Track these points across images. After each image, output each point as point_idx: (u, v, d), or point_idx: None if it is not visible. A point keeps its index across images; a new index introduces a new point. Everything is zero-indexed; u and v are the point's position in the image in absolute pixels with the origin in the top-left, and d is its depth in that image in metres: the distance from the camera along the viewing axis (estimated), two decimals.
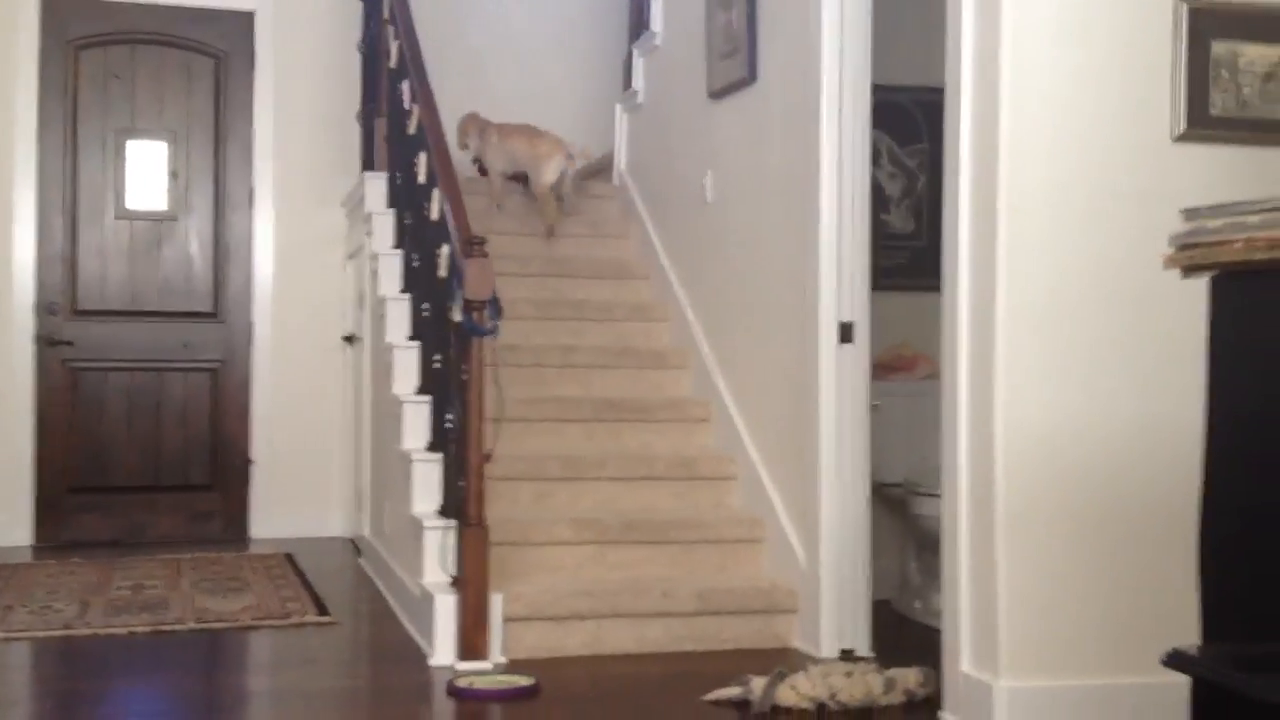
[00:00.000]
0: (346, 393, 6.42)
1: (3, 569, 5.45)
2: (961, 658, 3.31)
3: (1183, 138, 3.21)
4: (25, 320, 6.25)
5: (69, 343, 6.33)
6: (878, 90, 4.95)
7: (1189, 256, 2.14)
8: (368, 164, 6.08)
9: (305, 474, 6.53)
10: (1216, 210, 2.12)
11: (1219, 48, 3.18)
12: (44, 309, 6.30)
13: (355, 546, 6.04)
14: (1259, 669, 1.61)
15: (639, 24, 6.09)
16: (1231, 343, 2.04)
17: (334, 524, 6.49)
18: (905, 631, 4.45)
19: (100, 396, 6.37)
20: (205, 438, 6.49)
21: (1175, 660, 1.62)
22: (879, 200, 5.14)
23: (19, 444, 6.22)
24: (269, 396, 6.54)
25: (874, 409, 4.80)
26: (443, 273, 4.41)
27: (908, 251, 5.14)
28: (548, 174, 5.77)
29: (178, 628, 4.39)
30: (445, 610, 3.95)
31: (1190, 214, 2.18)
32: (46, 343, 6.29)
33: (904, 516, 4.79)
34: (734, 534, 4.51)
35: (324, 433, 6.53)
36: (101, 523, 6.33)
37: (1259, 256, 2.00)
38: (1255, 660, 1.66)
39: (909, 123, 5.14)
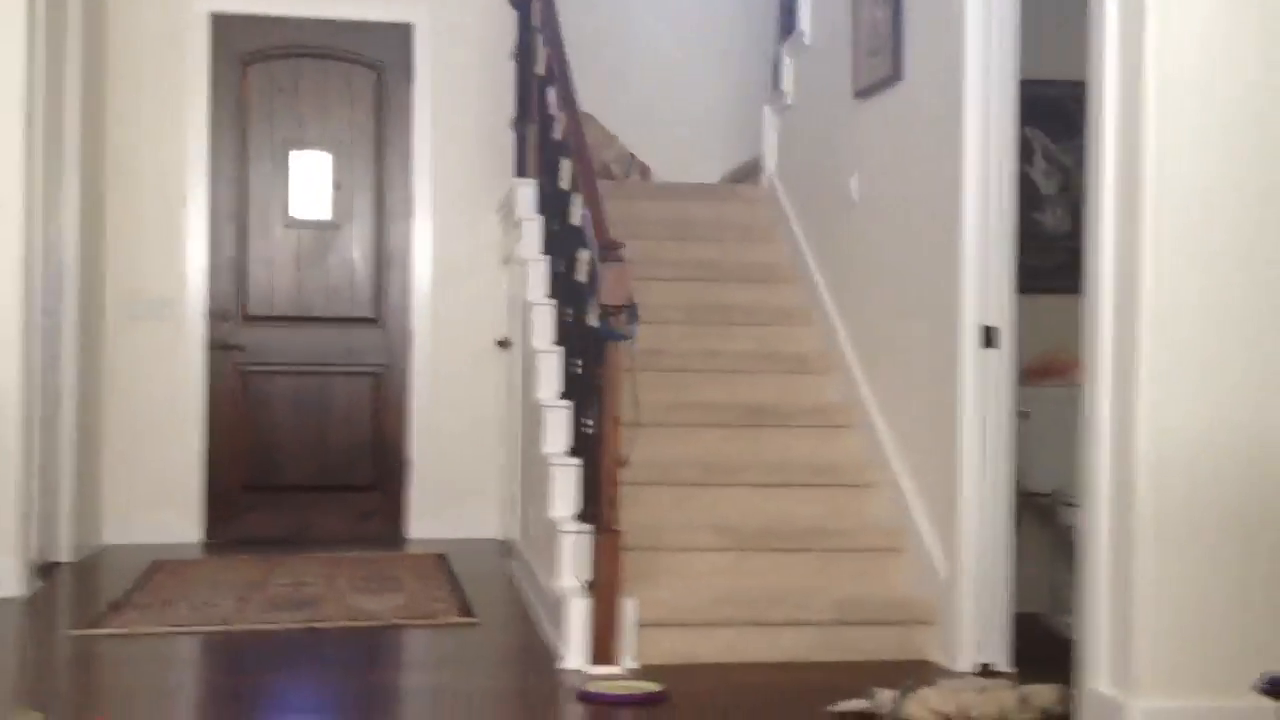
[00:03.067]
0: (500, 396, 6.52)
1: (171, 565, 5.70)
2: (1096, 675, 3.17)
3: None
4: (197, 326, 6.52)
5: (240, 347, 6.58)
6: (1032, 85, 4.79)
7: None
8: (520, 171, 6.16)
9: (461, 476, 6.65)
10: None
11: None
12: (216, 315, 6.56)
13: (507, 549, 6.12)
14: None
15: (788, 24, 6.03)
16: None
17: (489, 526, 6.60)
18: (1051, 647, 4.29)
19: (268, 399, 6.60)
20: (367, 440, 6.67)
21: (1270, 687, 1.52)
22: (1033, 199, 4.98)
23: (191, 444, 6.48)
24: (427, 400, 6.69)
25: (1024, 416, 4.66)
26: (582, 278, 4.43)
27: (1063, 252, 4.95)
28: None
29: (328, 625, 4.52)
30: (578, 614, 3.97)
31: None
32: (219, 347, 6.55)
33: (1053, 527, 4.62)
34: (873, 543, 4.43)
35: (479, 436, 6.64)
36: (269, 521, 6.56)
37: None
38: None
39: (1065, 118, 4.96)
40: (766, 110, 6.20)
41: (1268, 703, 1.67)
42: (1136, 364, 3.08)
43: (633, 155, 6.73)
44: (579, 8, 6.84)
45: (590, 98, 6.73)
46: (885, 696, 3.42)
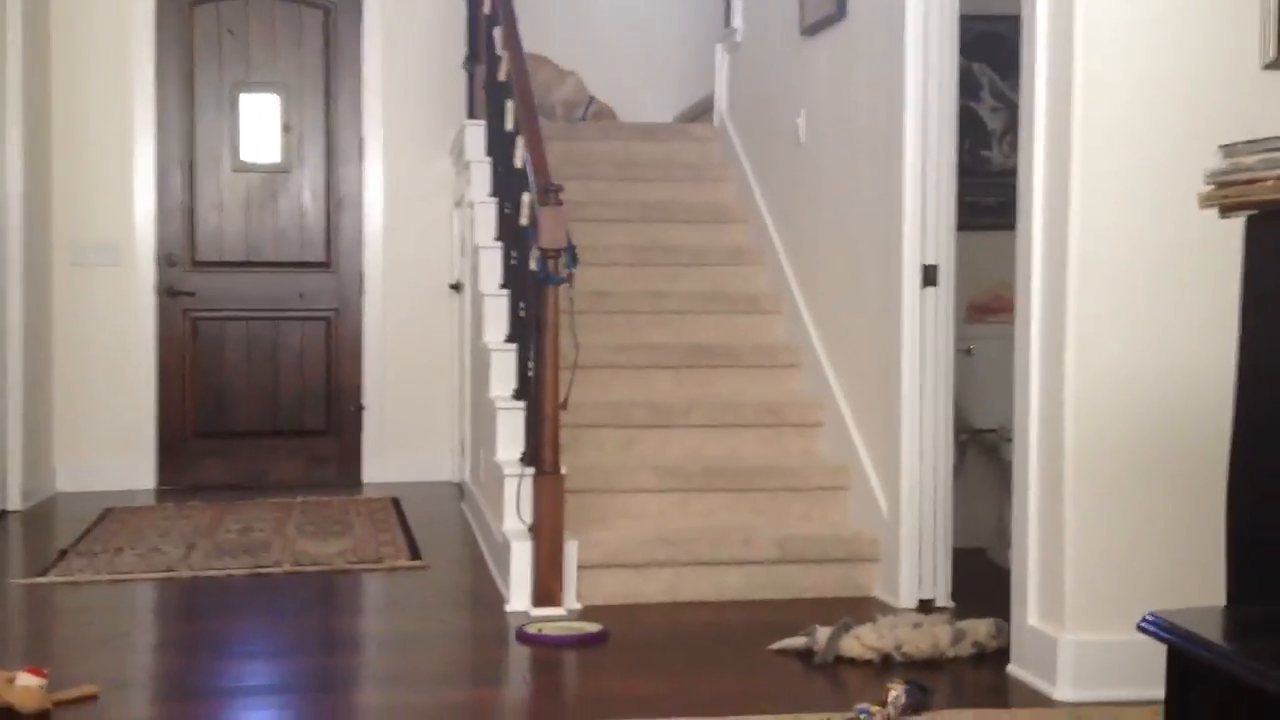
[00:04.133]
0: (453, 340, 6.49)
1: (123, 512, 5.67)
2: (1029, 610, 3.20)
3: (1272, 65, 3.00)
4: (147, 272, 6.46)
5: (190, 293, 6.52)
6: (979, 20, 4.77)
7: (1224, 195, 1.99)
8: (472, 112, 6.10)
9: (416, 420, 6.63)
10: (1254, 145, 1.97)
11: None
12: (164, 261, 6.49)
13: (461, 491, 6.12)
14: (1251, 634, 1.50)
15: None
16: (1266, 289, 1.90)
17: (444, 469, 6.59)
18: (995, 582, 4.31)
19: (220, 345, 6.55)
20: (321, 385, 6.64)
21: (1149, 627, 1.52)
22: (980, 136, 4.96)
23: (143, 391, 6.44)
24: (380, 344, 6.65)
25: (968, 353, 4.67)
26: (524, 221, 4.40)
27: (1010, 188, 4.92)
28: None
29: (274, 570, 4.51)
30: (521, 557, 3.97)
31: (1228, 150, 2.03)
32: (168, 293, 6.49)
33: (998, 463, 4.64)
34: (819, 481, 4.44)
35: (433, 379, 6.62)
36: (222, 467, 6.54)
37: None
38: (1249, 624, 1.55)
39: (1012, 53, 4.90)
40: (718, 48, 6.14)
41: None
42: (1064, 304, 3.07)
43: (592, 97, 6.66)
44: None
45: (547, 37, 6.67)
46: (822, 634, 3.44)
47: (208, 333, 6.55)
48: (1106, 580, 3.06)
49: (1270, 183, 1.87)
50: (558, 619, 3.84)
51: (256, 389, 6.57)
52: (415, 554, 4.76)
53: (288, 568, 4.55)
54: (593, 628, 3.69)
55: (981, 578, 4.24)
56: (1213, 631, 1.54)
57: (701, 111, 6.42)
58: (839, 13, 4.52)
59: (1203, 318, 3.01)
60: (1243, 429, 1.95)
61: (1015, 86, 4.90)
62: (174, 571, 4.48)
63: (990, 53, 4.81)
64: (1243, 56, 3.03)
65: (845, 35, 4.52)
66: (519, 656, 3.59)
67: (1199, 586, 2.96)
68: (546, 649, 3.61)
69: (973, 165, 4.84)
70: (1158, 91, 3.04)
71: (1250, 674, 1.36)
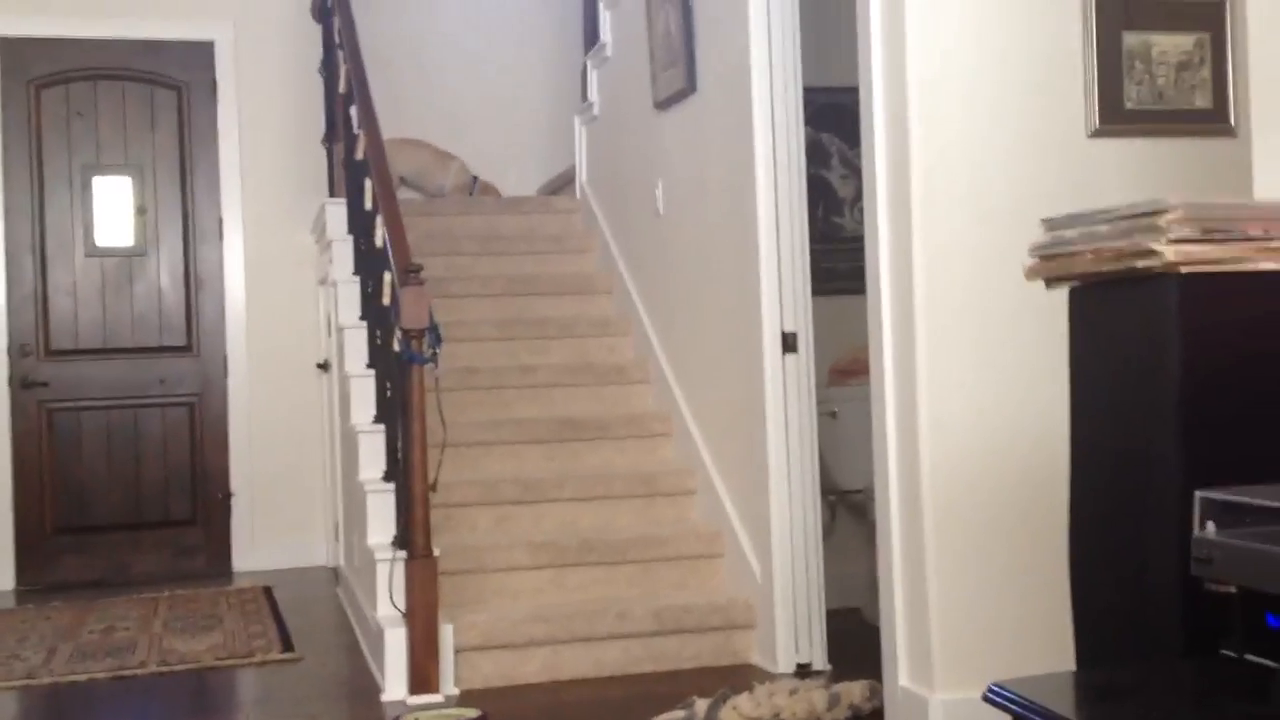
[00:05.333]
0: (323, 420, 6.40)
1: None
2: (900, 670, 3.25)
3: (1098, 133, 3.14)
4: None
5: (44, 383, 6.33)
6: (825, 92, 4.90)
7: (1050, 268, 2.07)
8: (332, 190, 6.07)
9: (287, 504, 6.51)
10: (1072, 220, 2.06)
11: (1131, 39, 3.11)
12: (17, 351, 6.30)
13: (336, 576, 6.02)
14: (1093, 702, 1.55)
15: (592, 36, 6.05)
16: (1091, 357, 1.98)
17: (318, 554, 6.47)
18: (870, 641, 4.37)
19: (77, 436, 6.37)
20: (185, 472, 6.49)
21: (994, 697, 1.57)
22: (832, 203, 5.08)
23: None
24: (247, 428, 6.53)
25: (832, 415, 4.75)
26: (386, 300, 4.37)
27: (863, 253, 5.06)
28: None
29: (139, 672, 4.37)
30: (395, 643, 3.91)
31: (1049, 224, 2.12)
32: (21, 385, 6.30)
33: (867, 523, 4.71)
34: (693, 550, 4.46)
35: (304, 462, 6.51)
36: (84, 563, 6.33)
37: (1107, 268, 1.94)
38: (1092, 691, 1.60)
39: (858, 123, 5.06)
40: (577, 121, 6.21)
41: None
42: (915, 367, 3.15)
43: (476, 177, 6.67)
44: (393, 18, 6.78)
45: (405, 114, 6.67)
46: (700, 706, 3.45)
47: (64, 424, 6.36)
48: (973, 638, 3.12)
49: (1089, 256, 1.96)
50: (435, 706, 3.78)
51: (118, 480, 6.39)
52: (288, 645, 4.66)
53: (154, 668, 4.41)
54: (471, 714, 3.65)
55: (857, 637, 4.29)
56: (1056, 700, 1.58)
57: (563, 184, 6.47)
58: (689, 87, 4.61)
59: (1047, 378, 3.11)
60: (1078, 489, 2.02)
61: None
62: (33, 679, 4.31)
63: (837, 123, 4.94)
64: (1071, 126, 3.16)
65: (696, 109, 4.61)
66: None
67: (1063, 642, 3.04)
68: None
69: (827, 232, 4.95)
70: (993, 160, 3.15)
71: None
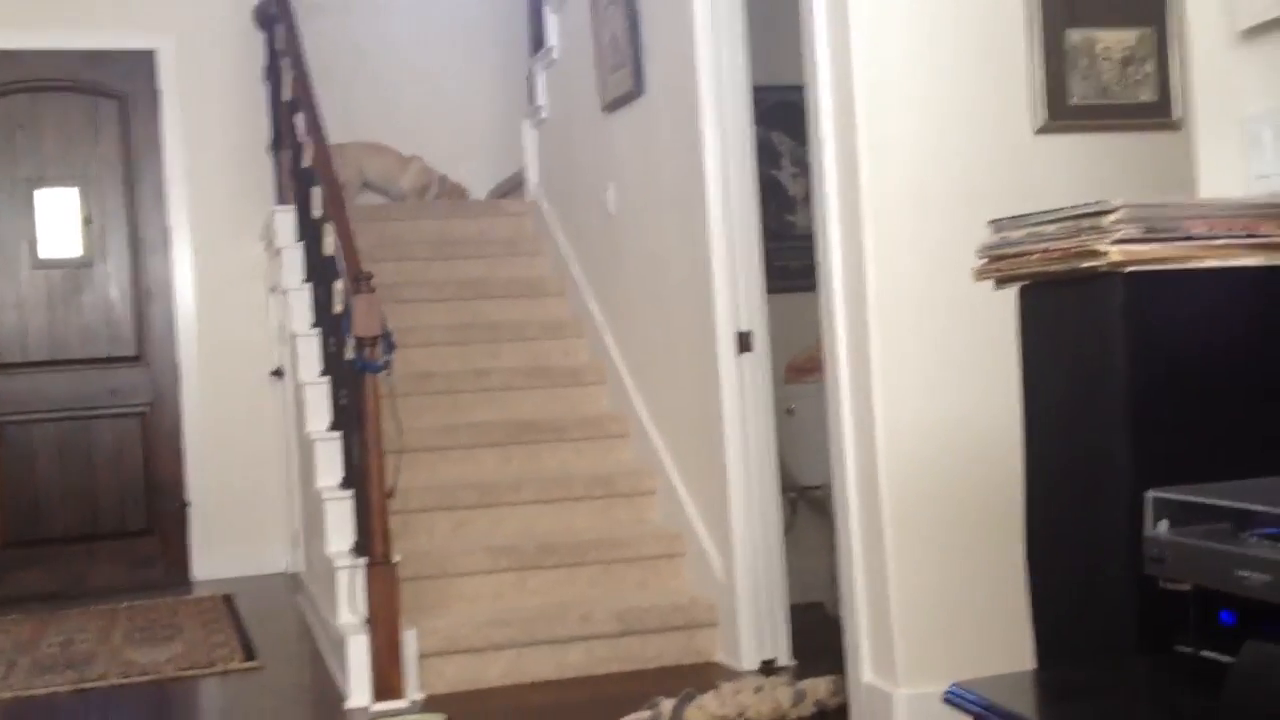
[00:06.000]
0: (279, 427, 6.37)
1: None
2: (863, 666, 3.28)
3: (1044, 129, 3.18)
4: None
5: None
6: (774, 91, 4.92)
7: (998, 268, 2.10)
8: (280, 197, 6.03)
9: (245, 512, 6.47)
10: (1019, 221, 2.09)
11: (1074, 35, 3.15)
12: None
13: (296, 583, 5.99)
14: (1052, 701, 1.58)
15: (538, 39, 6.04)
16: (1038, 355, 2.01)
17: (278, 560, 6.43)
18: (833, 636, 4.41)
19: (29, 450, 6.30)
20: (139, 483, 6.43)
21: (954, 698, 1.59)
22: (784, 202, 5.11)
23: None
24: (201, 436, 6.48)
25: (790, 413, 4.78)
26: (338, 309, 4.36)
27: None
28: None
29: (99, 684, 4.34)
30: (358, 651, 3.91)
31: (996, 225, 2.15)
32: None
33: (827, 518, 4.74)
34: (654, 550, 4.48)
35: (260, 469, 6.47)
36: (40, 576, 6.27)
37: (1054, 268, 1.97)
38: (1051, 690, 1.63)
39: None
40: (525, 124, 6.20)
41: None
42: (869, 363, 3.18)
43: (443, 176, 6.65)
44: (337, 23, 6.74)
45: (355, 120, 6.63)
46: (666, 706, 3.47)
47: (14, 437, 6.29)
48: (934, 632, 3.16)
49: (1036, 256, 1.99)
50: (399, 712, 3.78)
51: (71, 492, 6.33)
52: (250, 654, 4.64)
53: (115, 680, 4.38)
54: (436, 719, 3.65)
55: (821, 632, 4.31)
56: (1015, 700, 1.61)
57: (513, 187, 6.46)
58: (637, 89, 4.62)
59: (1003, 374, 3.12)
60: (1031, 488, 2.05)
61: None
62: None
63: (786, 122, 4.97)
64: (1018, 122, 3.20)
65: (645, 110, 4.62)
66: None
67: (1026, 633, 3.08)
68: None
69: (779, 230, 4.98)
70: (940, 157, 3.18)
71: None
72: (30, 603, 6.01)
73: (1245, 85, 2.27)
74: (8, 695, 4.25)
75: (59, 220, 6.41)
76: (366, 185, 6.57)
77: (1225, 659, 1.54)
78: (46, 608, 5.84)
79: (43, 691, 4.28)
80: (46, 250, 6.38)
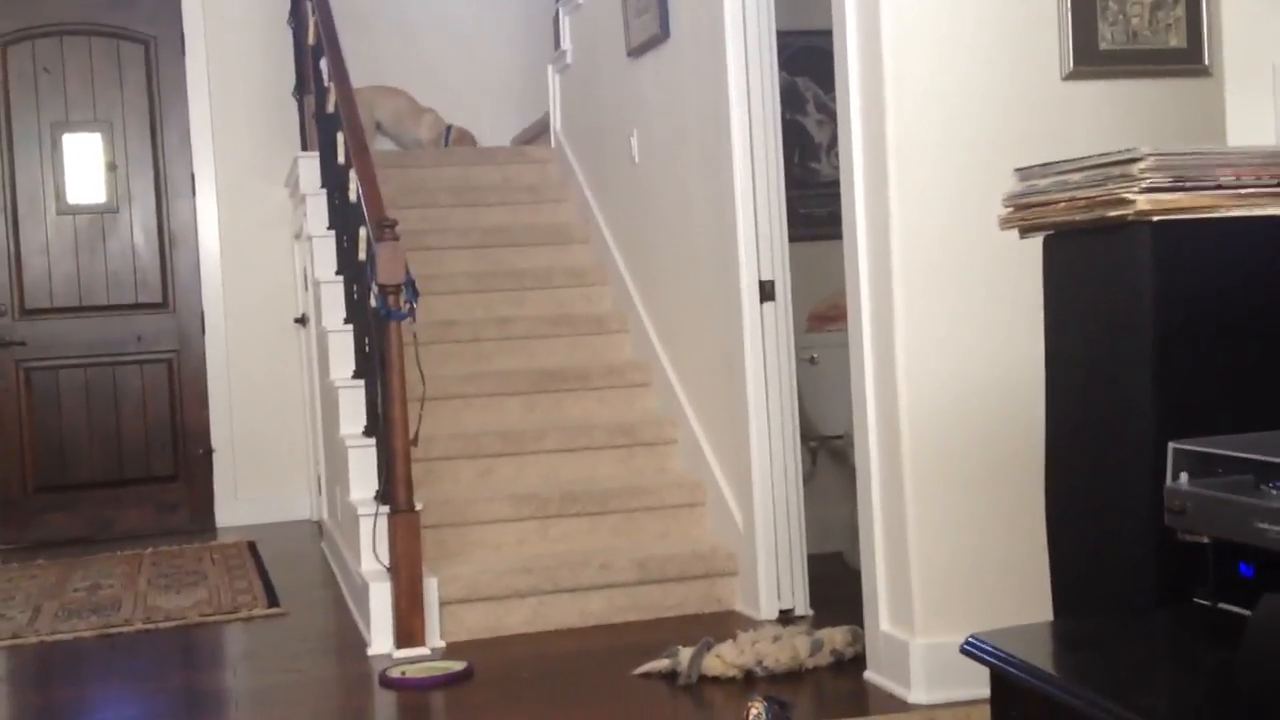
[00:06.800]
0: (302, 375, 6.39)
1: None
2: (881, 615, 3.28)
3: (1072, 75, 3.12)
4: None
5: (21, 343, 6.30)
6: (801, 36, 4.86)
7: (1022, 218, 2.07)
8: (305, 144, 6.02)
9: (268, 459, 6.51)
10: (1046, 169, 2.06)
11: None
12: None
13: (320, 530, 6.03)
14: (1067, 650, 1.57)
15: None
16: (1065, 304, 1.99)
17: (301, 507, 6.48)
18: (852, 586, 4.41)
19: (56, 395, 6.35)
20: (165, 429, 6.48)
21: (972, 649, 1.58)
22: (809, 149, 5.06)
23: None
24: (226, 383, 6.51)
25: (811, 361, 4.76)
26: (362, 255, 4.35)
27: (839, 199, 5.05)
28: None
29: (125, 629, 4.39)
30: (380, 598, 3.93)
31: (1023, 173, 2.12)
32: None
33: (848, 468, 4.73)
34: (675, 499, 4.48)
35: (284, 416, 6.50)
36: (67, 520, 6.33)
37: (1080, 216, 1.94)
38: (1067, 640, 1.62)
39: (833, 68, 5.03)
40: (550, 70, 6.16)
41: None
42: (892, 312, 3.15)
43: (450, 125, 6.61)
44: None
45: (378, 65, 6.60)
46: (684, 654, 3.48)
47: (42, 382, 6.34)
48: (952, 582, 3.15)
49: (1062, 205, 1.96)
50: (422, 659, 3.81)
51: (98, 438, 6.38)
52: (273, 601, 4.68)
53: (140, 625, 4.42)
54: (457, 666, 3.67)
55: (839, 582, 4.31)
56: (1032, 651, 1.60)
57: (538, 133, 6.42)
58: (663, 34, 4.57)
59: (1024, 323, 3.10)
60: (1053, 439, 2.03)
61: None
62: (20, 638, 4.33)
63: (813, 67, 4.91)
64: (1046, 69, 3.15)
65: (670, 56, 4.57)
66: (384, 701, 3.55)
67: (1044, 583, 3.07)
68: (412, 692, 3.58)
69: (803, 177, 4.94)
70: (967, 104, 3.13)
71: (1063, 694, 1.43)
72: (58, 547, 6.08)
73: (1276, 31, 2.22)
74: (34, 640, 4.30)
75: (84, 165, 6.42)
76: (379, 128, 6.54)
77: (1243, 611, 1.53)
78: (73, 552, 5.90)
79: (69, 636, 4.33)
80: (73, 196, 6.40)
